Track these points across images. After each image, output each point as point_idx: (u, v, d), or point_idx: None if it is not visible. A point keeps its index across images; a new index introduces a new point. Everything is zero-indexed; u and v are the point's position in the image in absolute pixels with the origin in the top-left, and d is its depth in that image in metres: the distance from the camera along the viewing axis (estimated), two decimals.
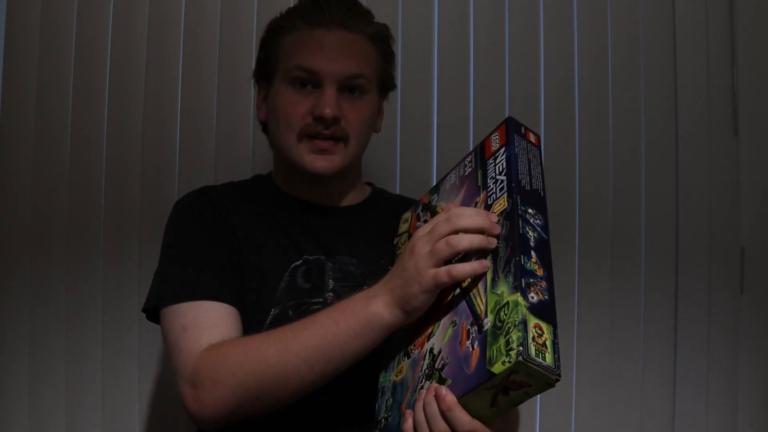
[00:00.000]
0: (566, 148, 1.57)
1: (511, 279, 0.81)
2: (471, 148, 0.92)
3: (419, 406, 0.84)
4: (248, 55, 1.58)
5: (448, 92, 1.59)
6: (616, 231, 1.56)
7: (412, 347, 0.94)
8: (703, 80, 1.57)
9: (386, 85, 1.21)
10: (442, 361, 0.86)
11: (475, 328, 0.83)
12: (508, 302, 0.80)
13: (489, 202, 0.91)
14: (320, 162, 1.10)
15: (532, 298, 0.80)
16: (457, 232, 0.87)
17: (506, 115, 1.55)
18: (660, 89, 1.58)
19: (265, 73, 1.18)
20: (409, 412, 0.86)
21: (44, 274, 1.57)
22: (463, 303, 0.87)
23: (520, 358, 0.75)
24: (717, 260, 1.55)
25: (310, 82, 1.10)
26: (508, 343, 0.77)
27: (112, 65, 1.59)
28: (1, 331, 1.57)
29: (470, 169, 0.99)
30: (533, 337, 0.77)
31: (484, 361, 0.79)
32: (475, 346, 0.82)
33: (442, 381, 0.85)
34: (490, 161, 0.95)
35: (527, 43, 1.58)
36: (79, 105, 1.59)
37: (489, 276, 0.85)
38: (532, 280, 0.82)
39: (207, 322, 1.01)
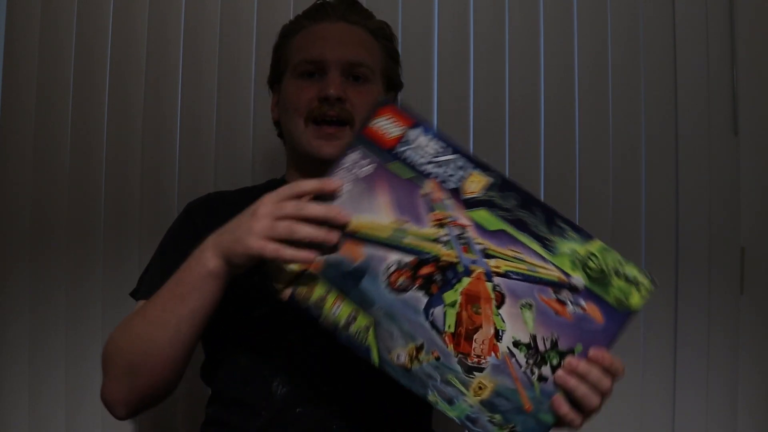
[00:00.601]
0: (566, 148, 1.57)
1: (573, 234, 0.85)
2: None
3: (574, 382, 0.86)
4: (248, 55, 1.58)
5: (448, 92, 1.59)
6: (616, 231, 1.56)
7: (474, 362, 0.88)
8: (703, 80, 1.57)
9: (392, 81, 1.24)
10: (550, 340, 0.86)
11: (566, 292, 0.85)
12: (590, 253, 0.84)
13: (451, 186, 0.86)
14: (327, 148, 1.12)
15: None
16: (304, 218, 0.86)
17: (506, 115, 1.57)
18: (660, 89, 1.58)
19: (277, 76, 1.23)
20: (558, 397, 0.87)
21: (44, 274, 1.57)
22: (517, 284, 0.86)
23: (653, 286, 0.85)
24: (717, 260, 1.55)
25: (317, 71, 1.15)
26: (629, 280, 0.84)
27: (112, 65, 1.59)
28: (1, 331, 1.57)
29: (370, 165, 0.88)
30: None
31: (612, 307, 0.84)
32: (584, 304, 0.85)
33: (565, 354, 0.86)
34: (403, 148, 0.87)
35: (527, 42, 1.58)
36: (79, 105, 1.59)
37: (537, 247, 0.85)
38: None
39: None
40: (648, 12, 1.58)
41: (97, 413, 1.54)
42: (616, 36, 1.58)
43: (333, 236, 0.87)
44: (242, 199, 1.19)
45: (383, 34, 1.23)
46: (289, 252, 0.86)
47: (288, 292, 0.89)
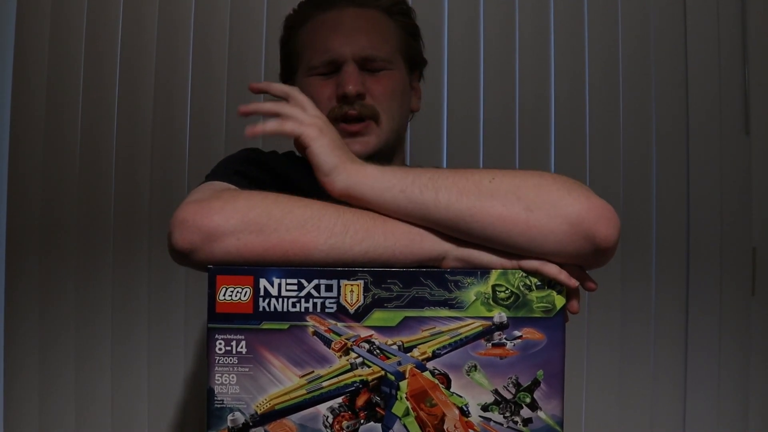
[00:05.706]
0: (576, 147, 1.56)
1: (469, 279, 0.81)
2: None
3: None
4: (257, 54, 1.58)
5: (458, 90, 1.58)
6: (627, 231, 1.55)
7: None
8: (715, 79, 1.56)
9: (414, 61, 1.15)
10: (512, 384, 0.83)
11: (497, 334, 0.82)
12: (494, 286, 0.81)
13: (332, 310, 0.81)
14: (354, 146, 1.02)
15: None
16: None
17: (516, 115, 1.57)
18: (671, 89, 1.57)
19: (288, 72, 1.15)
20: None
21: (54, 273, 1.57)
22: (450, 356, 0.83)
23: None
24: (728, 261, 1.54)
25: (331, 67, 1.07)
26: (541, 286, 0.81)
27: (122, 65, 1.60)
28: (12, 331, 1.58)
29: (243, 341, 0.82)
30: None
31: (544, 319, 0.81)
32: (520, 333, 0.82)
33: (532, 387, 0.83)
34: (263, 304, 0.81)
35: (538, 41, 1.58)
36: (89, 105, 1.60)
37: (445, 312, 0.81)
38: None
39: None
40: (659, 10, 1.58)
41: (107, 412, 1.55)
42: (627, 34, 1.57)
43: None
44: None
45: (399, 10, 1.12)
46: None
47: None
